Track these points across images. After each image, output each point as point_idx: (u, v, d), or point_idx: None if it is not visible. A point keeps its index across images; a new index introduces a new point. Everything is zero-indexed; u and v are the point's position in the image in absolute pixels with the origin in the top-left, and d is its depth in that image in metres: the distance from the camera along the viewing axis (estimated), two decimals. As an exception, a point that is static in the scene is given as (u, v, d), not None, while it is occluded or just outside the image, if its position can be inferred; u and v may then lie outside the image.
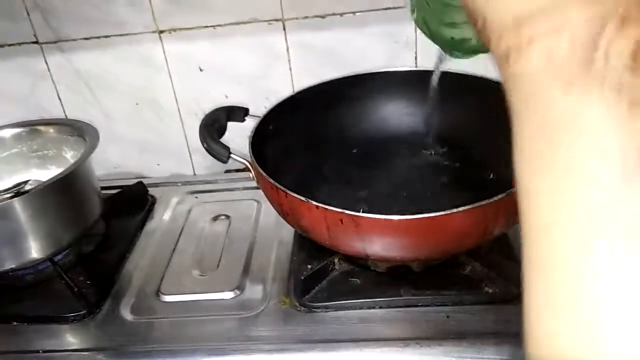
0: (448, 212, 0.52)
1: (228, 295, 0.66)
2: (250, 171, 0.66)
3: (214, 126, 0.69)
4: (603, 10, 0.20)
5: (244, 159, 0.65)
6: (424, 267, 0.65)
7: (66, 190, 0.68)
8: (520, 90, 0.22)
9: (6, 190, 0.66)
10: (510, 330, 0.57)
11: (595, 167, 0.20)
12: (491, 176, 0.74)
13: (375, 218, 0.53)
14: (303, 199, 0.57)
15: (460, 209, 0.52)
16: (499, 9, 0.22)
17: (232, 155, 0.65)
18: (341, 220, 0.55)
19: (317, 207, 0.56)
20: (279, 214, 0.65)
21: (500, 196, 0.53)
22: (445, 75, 0.78)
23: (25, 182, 0.69)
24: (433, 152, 0.80)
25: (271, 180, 0.60)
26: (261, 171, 0.62)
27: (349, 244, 0.58)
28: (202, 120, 0.70)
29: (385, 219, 0.53)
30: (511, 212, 0.57)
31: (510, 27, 0.22)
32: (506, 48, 0.22)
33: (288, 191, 0.58)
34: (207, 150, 0.66)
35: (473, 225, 0.55)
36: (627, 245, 0.20)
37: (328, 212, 0.55)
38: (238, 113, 0.74)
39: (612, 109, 0.20)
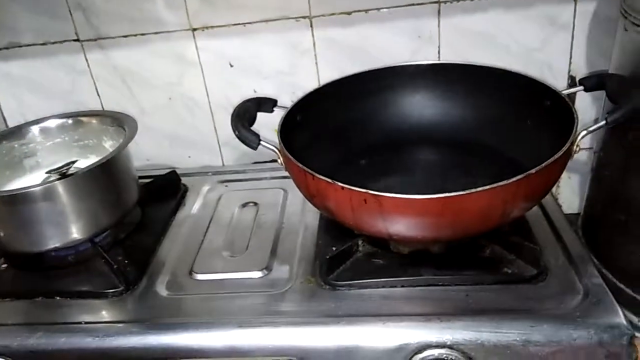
0: (468, 192, 0.55)
1: (256, 274, 0.70)
2: (278, 157, 0.69)
3: (245, 115, 0.73)
4: None
5: (273, 146, 0.69)
6: (445, 249, 0.67)
7: (107, 175, 0.73)
8: None
9: (55, 170, 0.70)
10: (527, 307, 0.59)
11: None
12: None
13: (398, 197, 0.56)
14: (329, 180, 0.60)
15: (480, 189, 0.55)
16: None
17: (261, 142, 0.69)
18: (365, 200, 0.58)
19: (342, 188, 0.59)
20: (306, 197, 0.68)
21: (518, 177, 0.55)
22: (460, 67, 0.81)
23: (73, 162, 0.73)
24: (452, 143, 0.82)
25: (299, 164, 0.64)
26: (289, 156, 0.65)
27: (373, 224, 0.60)
28: (234, 109, 0.73)
29: (407, 199, 0.56)
30: (529, 194, 0.60)
31: None
32: None
33: (315, 174, 0.61)
34: (238, 137, 0.70)
35: (492, 206, 0.57)
36: None
37: (353, 193, 0.58)
38: (267, 104, 0.78)
39: None
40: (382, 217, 0.59)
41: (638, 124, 0.65)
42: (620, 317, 0.56)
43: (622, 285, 0.72)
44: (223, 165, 1.02)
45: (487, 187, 0.55)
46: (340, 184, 0.59)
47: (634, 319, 0.70)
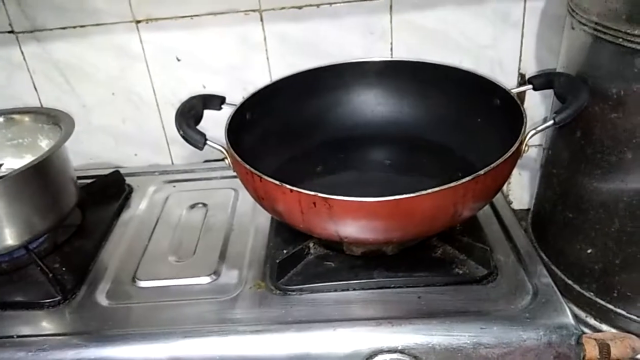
0: (416, 194, 0.54)
1: (204, 280, 0.67)
2: (226, 158, 0.66)
3: (190, 113, 0.70)
4: None
5: (220, 146, 0.66)
6: (398, 250, 0.66)
7: (41, 177, 0.68)
8: None
9: (-21, 174, 0.65)
10: (477, 308, 0.59)
11: None
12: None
13: (347, 200, 0.55)
14: (277, 183, 0.58)
15: (429, 191, 0.54)
16: None
17: (208, 142, 0.66)
18: (314, 203, 0.56)
19: (291, 190, 0.57)
20: (255, 200, 0.66)
21: (467, 179, 0.55)
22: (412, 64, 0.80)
23: (-1, 165, 0.69)
24: (404, 141, 0.82)
25: (246, 166, 0.61)
26: (236, 157, 0.63)
27: (323, 226, 0.59)
28: (179, 107, 0.70)
29: (356, 201, 0.54)
30: (479, 195, 0.59)
31: None
32: None
33: (263, 175, 0.59)
34: (183, 137, 0.67)
35: (442, 207, 0.56)
36: None
37: (302, 195, 0.56)
38: (214, 101, 0.75)
39: None
40: (332, 220, 0.57)
41: (585, 123, 0.66)
42: (568, 317, 0.56)
43: (570, 281, 0.73)
44: (172, 164, 0.98)
45: (437, 189, 0.54)
46: (288, 186, 0.57)
47: (581, 314, 0.71)
